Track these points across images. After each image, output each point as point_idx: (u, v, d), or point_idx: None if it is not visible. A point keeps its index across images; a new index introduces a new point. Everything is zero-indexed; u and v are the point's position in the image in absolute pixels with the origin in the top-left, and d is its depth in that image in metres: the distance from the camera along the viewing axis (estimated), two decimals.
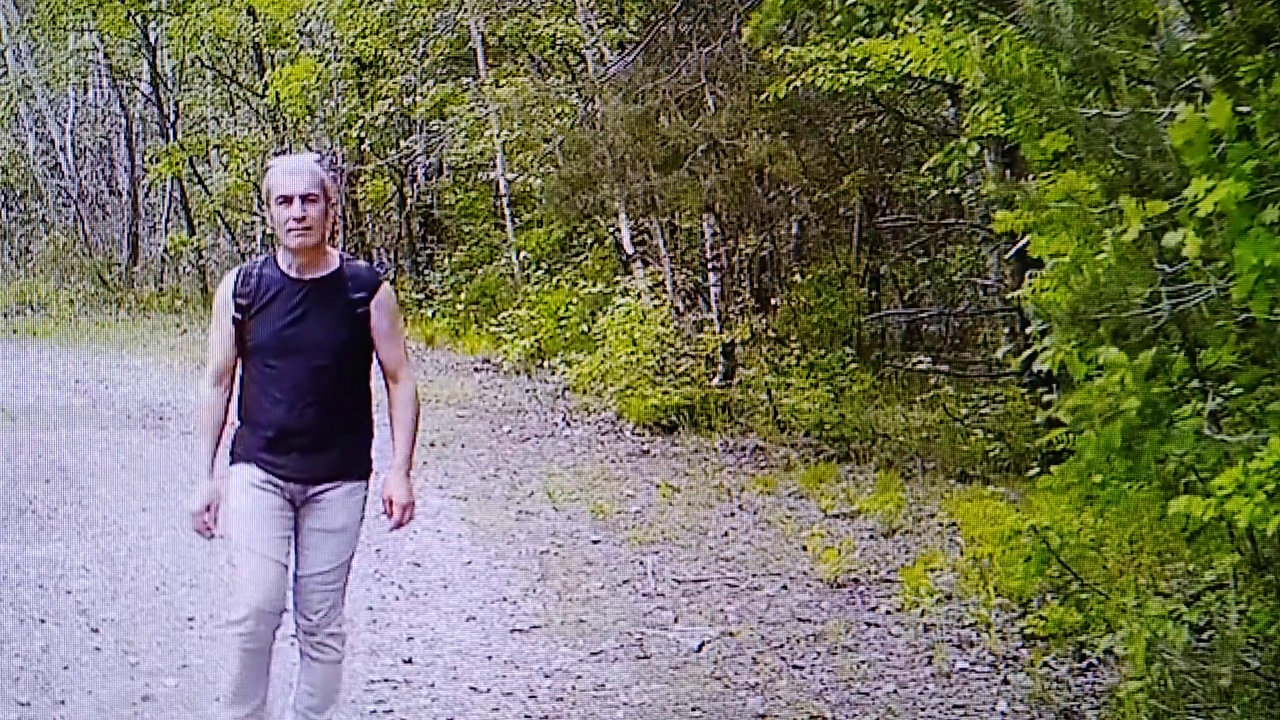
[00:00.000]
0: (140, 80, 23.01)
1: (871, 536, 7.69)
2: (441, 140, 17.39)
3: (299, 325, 4.18)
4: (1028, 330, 5.99)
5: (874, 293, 13.82)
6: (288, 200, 4.12)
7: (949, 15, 5.87)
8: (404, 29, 16.64)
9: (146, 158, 22.47)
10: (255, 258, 4.52)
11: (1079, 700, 5.19)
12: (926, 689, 5.42)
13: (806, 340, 12.17)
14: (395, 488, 4.36)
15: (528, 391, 12.33)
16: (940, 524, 7.74)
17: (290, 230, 4.12)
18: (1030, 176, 4.87)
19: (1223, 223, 3.14)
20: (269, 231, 4.42)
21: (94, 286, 21.46)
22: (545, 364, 13.22)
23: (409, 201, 18.86)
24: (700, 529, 7.89)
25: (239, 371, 4.32)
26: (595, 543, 7.60)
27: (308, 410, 4.18)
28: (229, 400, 4.30)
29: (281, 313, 4.18)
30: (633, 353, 11.14)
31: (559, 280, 14.82)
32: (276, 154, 18.79)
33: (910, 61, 5.98)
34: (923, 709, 5.22)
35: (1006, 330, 10.41)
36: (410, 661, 5.71)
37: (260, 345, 4.20)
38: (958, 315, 12.98)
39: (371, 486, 4.38)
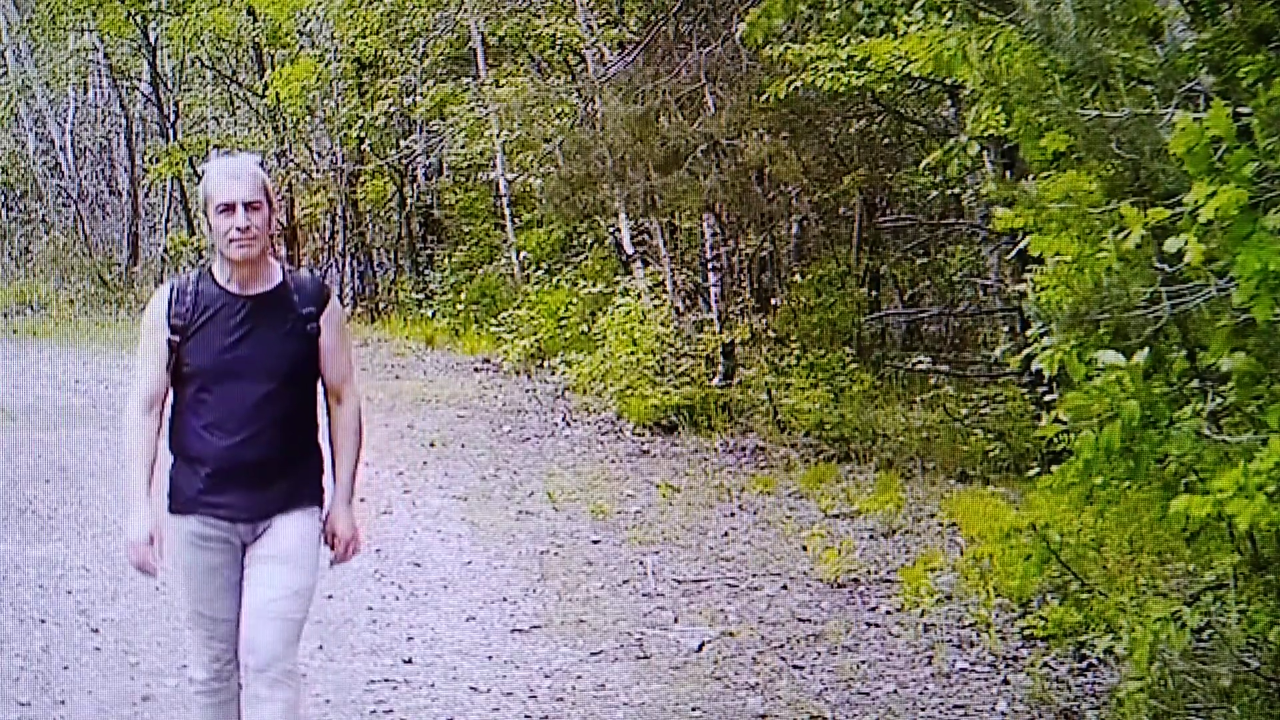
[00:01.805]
0: (140, 80, 23.01)
1: (871, 536, 7.69)
2: (441, 140, 17.38)
3: (242, 346, 3.76)
4: (1028, 331, 5.99)
5: (874, 293, 13.82)
6: (229, 208, 3.71)
7: (949, 15, 5.87)
8: (404, 29, 16.63)
9: (146, 158, 22.47)
10: (188, 271, 4.04)
11: (1079, 700, 5.19)
12: (926, 689, 5.42)
13: (806, 340, 12.17)
14: (338, 520, 3.93)
15: (528, 391, 12.33)
16: (940, 524, 7.74)
17: (232, 241, 3.71)
18: (1030, 176, 4.87)
19: (1224, 224, 3.14)
20: (209, 244, 3.94)
21: (94, 286, 21.45)
22: (545, 364, 13.22)
23: (409, 201, 18.84)
24: (700, 529, 7.90)
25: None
26: (595, 543, 7.60)
27: (254, 441, 3.76)
28: (159, 430, 3.85)
29: (222, 333, 3.76)
30: (633, 353, 11.14)
31: (559, 280, 14.81)
32: (276, 153, 18.79)
33: (910, 62, 5.98)
34: (923, 709, 5.23)
35: (1006, 330, 10.41)
36: (410, 661, 5.71)
37: (198, 370, 3.77)
38: (958, 315, 12.97)
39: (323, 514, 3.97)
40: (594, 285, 13.43)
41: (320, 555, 3.95)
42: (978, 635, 5.92)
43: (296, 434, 3.86)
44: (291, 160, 18.88)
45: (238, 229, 3.72)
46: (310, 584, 3.89)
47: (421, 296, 17.70)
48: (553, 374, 12.74)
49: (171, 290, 3.84)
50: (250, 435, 3.76)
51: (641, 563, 7.20)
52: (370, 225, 19.68)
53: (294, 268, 4.04)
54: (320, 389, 3.94)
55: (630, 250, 12.78)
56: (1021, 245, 4.98)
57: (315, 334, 3.84)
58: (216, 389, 3.77)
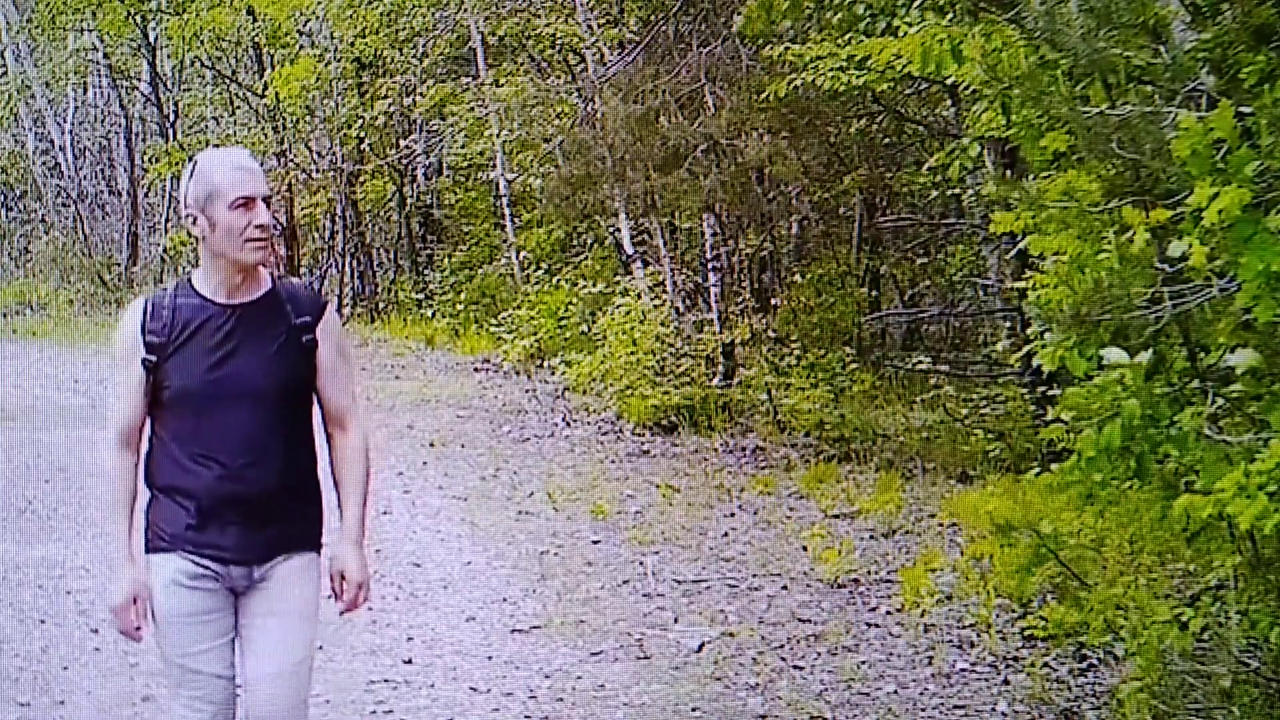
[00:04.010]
0: (140, 80, 23.03)
1: (871, 536, 7.69)
2: (441, 140, 17.41)
3: (231, 363, 3.31)
4: (1028, 330, 5.99)
5: (874, 293, 13.82)
6: (247, 204, 3.28)
7: (949, 16, 5.86)
8: (404, 29, 16.64)
9: (146, 158, 22.47)
10: (163, 285, 3.57)
11: (1079, 700, 5.19)
12: (927, 689, 5.42)
13: (806, 340, 12.17)
14: (347, 561, 3.44)
15: (528, 391, 12.33)
16: (940, 524, 7.74)
17: (250, 241, 3.29)
18: (1030, 176, 4.86)
19: (1224, 226, 3.14)
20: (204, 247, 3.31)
21: (94, 286, 21.47)
22: (545, 364, 13.23)
23: (409, 201, 18.86)
24: (700, 529, 7.89)
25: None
26: (595, 543, 7.60)
27: (249, 471, 3.30)
28: (138, 465, 3.39)
29: (207, 349, 3.31)
30: (633, 353, 11.14)
31: (559, 280, 14.83)
32: (276, 153, 18.77)
33: (910, 62, 5.97)
34: (923, 709, 5.22)
35: (1007, 330, 10.41)
36: (410, 661, 5.71)
37: (181, 392, 3.30)
38: (958, 315, 12.97)
39: (324, 558, 3.53)
40: (594, 285, 13.44)
41: (322, 604, 3.52)
42: (978, 636, 5.91)
43: (296, 462, 3.41)
44: (291, 160, 18.89)
45: (258, 227, 3.30)
46: (315, 643, 3.51)
47: (421, 296, 17.72)
48: (553, 374, 12.75)
49: (145, 306, 3.37)
50: (245, 465, 3.30)
51: (641, 563, 7.19)
52: (370, 225, 19.70)
53: (284, 274, 3.61)
54: (319, 416, 3.50)
55: (630, 250, 12.79)
56: (1021, 245, 4.98)
57: (312, 347, 3.39)
58: (203, 413, 3.30)
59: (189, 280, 3.40)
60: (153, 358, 3.31)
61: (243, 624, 3.38)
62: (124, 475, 3.37)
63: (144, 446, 3.40)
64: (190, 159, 3.47)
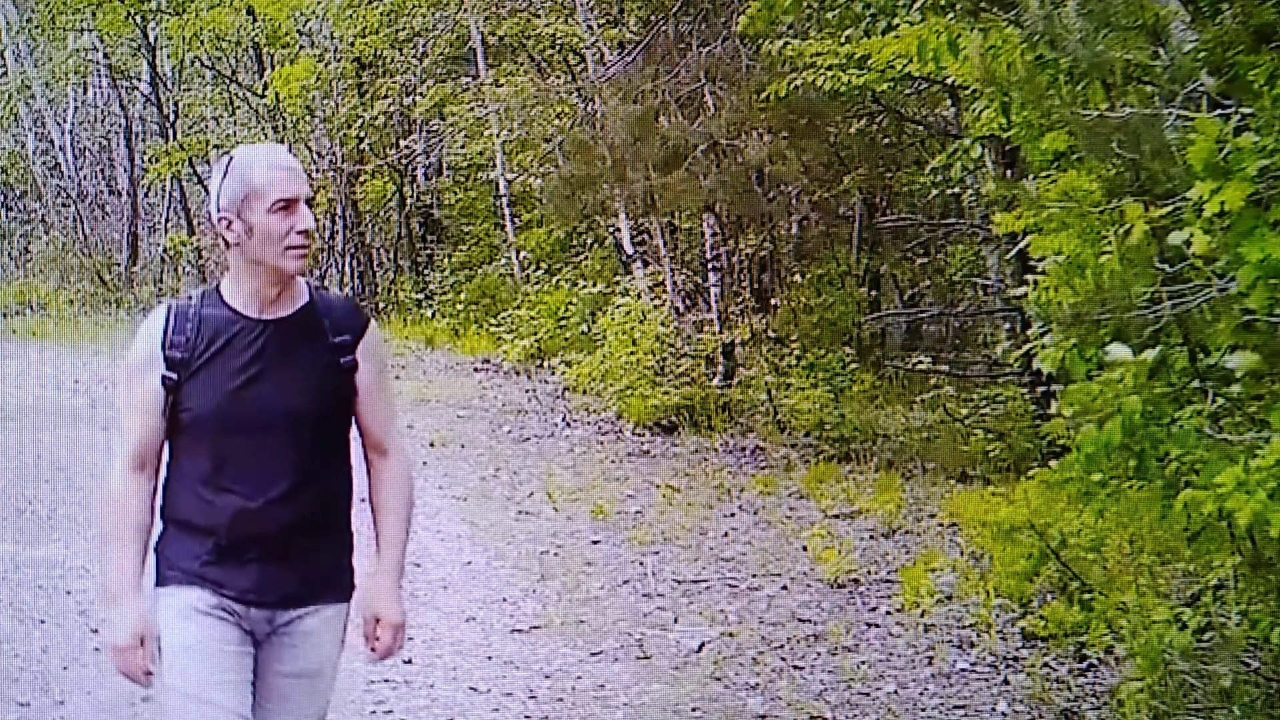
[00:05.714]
0: (140, 80, 23.02)
1: (871, 536, 7.69)
2: (441, 140, 17.41)
3: (259, 385, 2.97)
4: (1028, 330, 5.99)
5: (874, 293, 13.83)
6: (289, 206, 2.94)
7: (949, 15, 5.86)
8: (404, 29, 16.65)
9: (146, 158, 22.47)
10: (188, 293, 3.23)
11: (1079, 700, 5.19)
12: (927, 689, 5.42)
13: (806, 340, 12.17)
14: (384, 602, 3.16)
15: (528, 391, 12.33)
16: (940, 524, 7.74)
17: (292, 248, 2.95)
18: (1030, 177, 4.87)
19: (1226, 222, 3.14)
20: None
21: (94, 286, 21.47)
22: (545, 364, 13.23)
23: (409, 201, 18.87)
24: (700, 529, 7.89)
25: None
26: (595, 543, 7.60)
27: (273, 506, 2.97)
28: (155, 490, 3.06)
29: (234, 369, 2.97)
30: (632, 353, 11.15)
31: (559, 280, 14.84)
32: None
33: (910, 61, 5.98)
34: (923, 709, 5.22)
35: (1007, 330, 10.41)
36: (410, 661, 5.71)
37: (204, 414, 2.96)
38: (958, 315, 12.97)
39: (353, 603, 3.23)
40: (594, 285, 13.46)
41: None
42: (978, 636, 5.91)
43: (328, 497, 3.08)
44: None
45: (300, 232, 2.95)
46: (330, 697, 3.19)
47: (421, 296, 17.72)
48: (553, 374, 12.75)
49: (169, 315, 3.01)
50: (273, 498, 2.97)
51: (641, 563, 7.19)
52: (370, 225, 19.70)
53: (320, 285, 3.25)
54: (359, 438, 3.19)
55: (630, 250, 12.79)
56: (1022, 245, 4.98)
57: (351, 369, 3.06)
58: (227, 439, 2.97)
59: (216, 289, 3.05)
60: (174, 375, 2.97)
61: (261, 673, 3.06)
62: (137, 500, 3.03)
63: (162, 470, 3.08)
64: (226, 155, 3.10)
